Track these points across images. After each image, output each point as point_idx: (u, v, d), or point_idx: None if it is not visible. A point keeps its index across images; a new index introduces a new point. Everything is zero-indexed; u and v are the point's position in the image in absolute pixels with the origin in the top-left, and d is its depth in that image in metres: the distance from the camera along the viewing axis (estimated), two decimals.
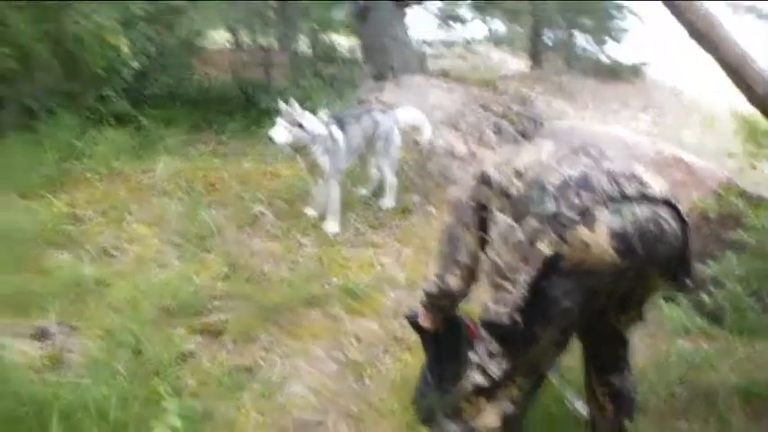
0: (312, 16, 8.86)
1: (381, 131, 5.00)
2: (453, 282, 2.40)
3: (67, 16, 6.45)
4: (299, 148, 4.53)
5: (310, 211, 4.89)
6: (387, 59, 7.96)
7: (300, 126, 4.40)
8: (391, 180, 5.12)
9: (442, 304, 2.54)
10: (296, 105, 4.45)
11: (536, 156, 2.14)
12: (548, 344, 2.07)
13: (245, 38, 11.15)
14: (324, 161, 4.61)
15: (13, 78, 6.28)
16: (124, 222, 4.56)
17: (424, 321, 2.67)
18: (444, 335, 2.70)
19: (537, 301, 1.95)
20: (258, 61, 10.67)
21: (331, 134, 4.63)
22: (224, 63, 11.03)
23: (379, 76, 7.85)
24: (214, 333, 3.29)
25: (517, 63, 17.70)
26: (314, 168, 4.72)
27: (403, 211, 5.05)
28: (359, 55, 9.72)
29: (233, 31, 11.07)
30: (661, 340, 3.34)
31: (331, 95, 7.72)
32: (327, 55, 9.76)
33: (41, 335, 3.07)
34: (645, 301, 2.22)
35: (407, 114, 5.32)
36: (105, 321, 3.17)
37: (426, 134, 5.32)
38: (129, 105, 7.15)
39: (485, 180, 2.26)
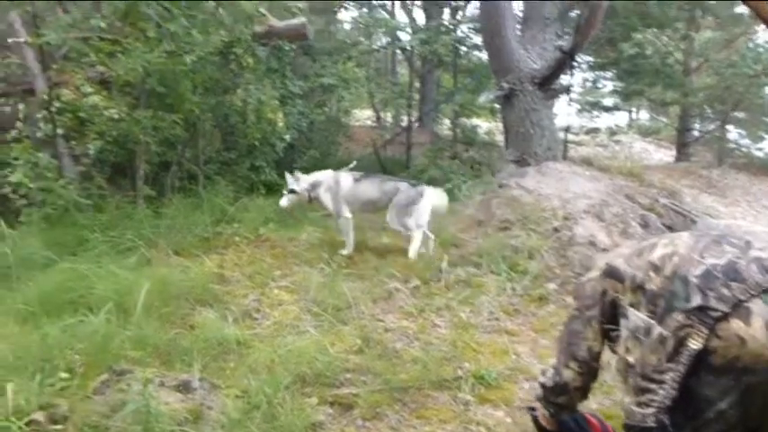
0: (456, 100, 9.07)
1: (400, 199, 5.62)
2: (569, 376, 2.31)
3: (234, 92, 7.05)
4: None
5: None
6: (529, 145, 7.92)
7: (293, 191, 5.75)
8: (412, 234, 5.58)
9: (558, 402, 2.42)
10: (288, 176, 5.83)
11: (672, 248, 2.02)
12: None
13: (388, 116, 11.62)
14: (326, 200, 5.76)
15: (180, 144, 6.88)
16: (267, 287, 4.77)
17: (542, 418, 2.52)
18: None
19: (688, 402, 1.82)
20: (399, 140, 11.06)
21: (338, 181, 5.73)
22: (365, 140, 11.51)
23: (522, 161, 7.81)
24: (345, 406, 3.30)
25: (661, 154, 17.12)
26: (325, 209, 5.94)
27: (540, 298, 4.91)
28: (498, 138, 9.80)
29: (377, 110, 11.56)
30: None
31: (469, 177, 7.81)
32: (467, 137, 9.92)
33: (185, 388, 3.20)
34: None
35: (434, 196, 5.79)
36: (243, 382, 3.27)
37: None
38: (278, 176, 7.63)
39: (612, 273, 2.17)
